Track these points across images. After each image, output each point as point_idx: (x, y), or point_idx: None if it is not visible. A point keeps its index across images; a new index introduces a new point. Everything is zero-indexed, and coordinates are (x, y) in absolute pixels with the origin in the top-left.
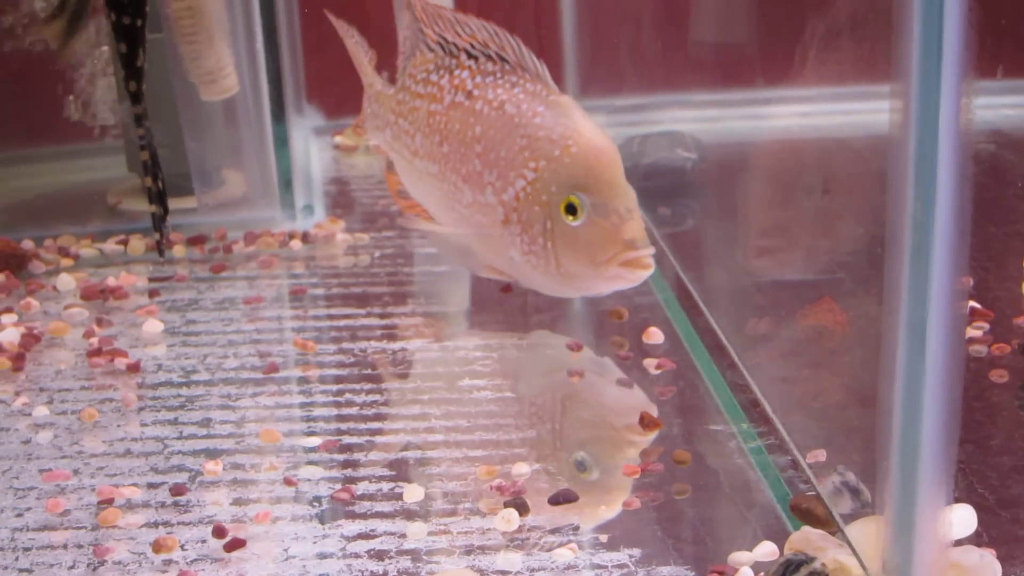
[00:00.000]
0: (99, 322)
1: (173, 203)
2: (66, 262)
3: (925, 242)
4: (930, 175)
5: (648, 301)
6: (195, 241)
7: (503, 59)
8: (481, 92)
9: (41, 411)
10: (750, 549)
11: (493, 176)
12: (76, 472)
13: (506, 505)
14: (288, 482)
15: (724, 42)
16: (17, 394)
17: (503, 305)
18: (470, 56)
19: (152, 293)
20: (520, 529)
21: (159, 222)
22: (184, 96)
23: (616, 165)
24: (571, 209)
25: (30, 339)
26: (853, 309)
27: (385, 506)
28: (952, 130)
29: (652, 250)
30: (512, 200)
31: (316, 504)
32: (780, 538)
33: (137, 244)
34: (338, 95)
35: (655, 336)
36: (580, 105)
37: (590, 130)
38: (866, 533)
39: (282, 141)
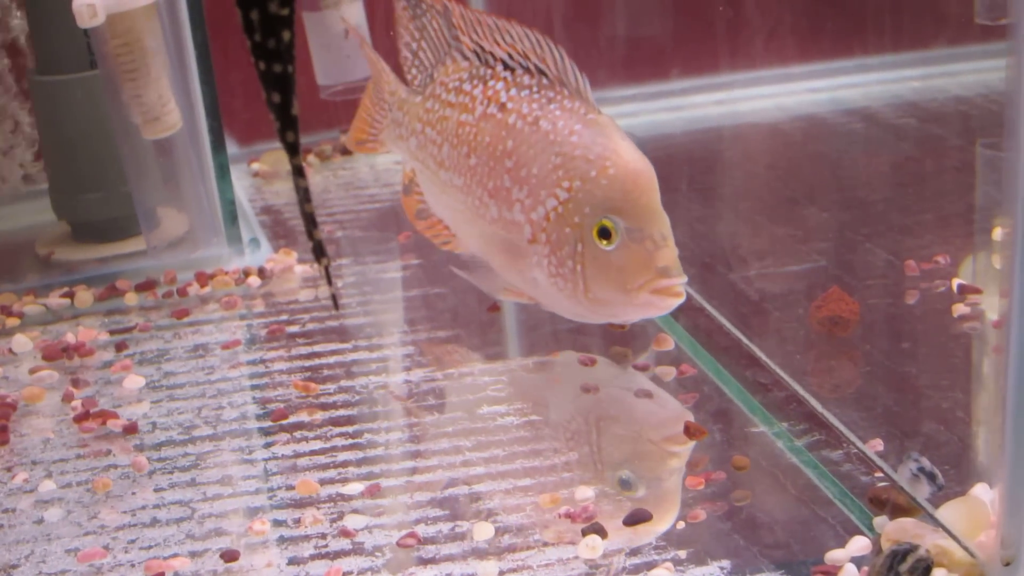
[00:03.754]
0: (75, 383)
1: (112, 248)
2: (11, 321)
3: None
4: None
5: None
6: (145, 286)
7: (542, 72)
8: (516, 105)
9: (46, 486)
10: (842, 546)
11: (523, 193)
12: (107, 548)
13: (585, 532)
14: (345, 533)
15: (636, 36)
16: (10, 470)
17: (492, 326)
18: (507, 67)
19: (119, 347)
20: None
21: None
22: (123, 135)
23: (653, 189)
24: (604, 233)
25: (6, 408)
26: (854, 293)
27: (453, 548)
28: None
29: (685, 278)
30: (542, 219)
31: (380, 554)
32: (862, 532)
33: (84, 296)
34: (249, 120)
35: (665, 343)
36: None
37: (629, 151)
38: (959, 515)
39: (224, 174)
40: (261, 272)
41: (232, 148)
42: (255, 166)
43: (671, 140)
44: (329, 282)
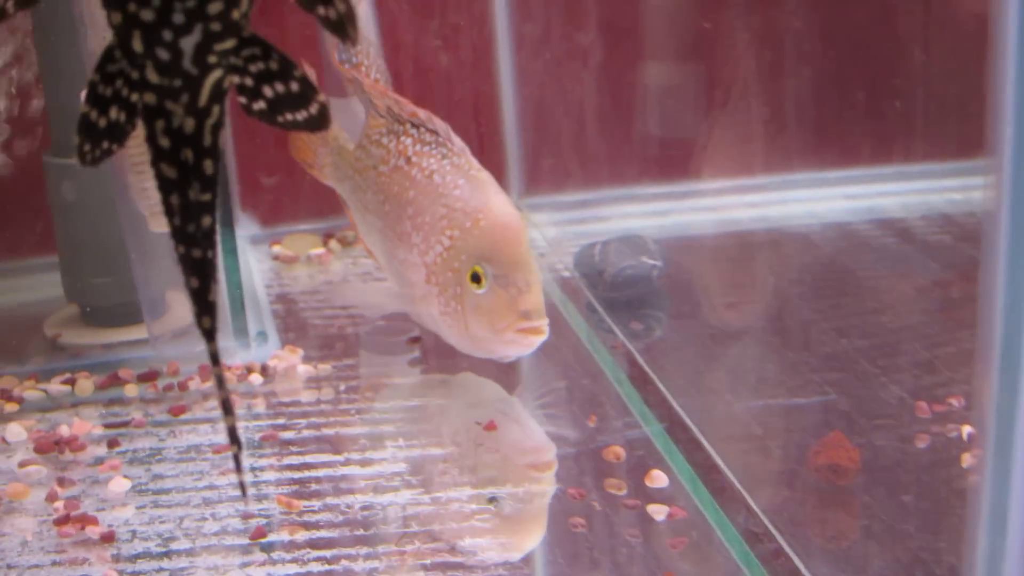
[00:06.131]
0: (60, 482)
1: (120, 334)
2: (10, 407)
3: None
4: None
5: (640, 436)
6: (147, 377)
7: (435, 132)
8: (418, 160)
9: None
10: None
11: (419, 238)
12: None
13: None
14: None
15: (672, 136)
16: None
17: (486, 444)
18: (414, 125)
19: (111, 443)
20: None
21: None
22: (128, 223)
23: (519, 241)
24: (476, 278)
25: None
26: (856, 436)
27: None
28: None
29: (545, 320)
30: (432, 263)
31: None
32: None
33: (85, 384)
34: (272, 202)
35: (658, 480)
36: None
37: (501, 206)
38: None
39: (232, 264)
40: (264, 370)
41: (254, 230)
42: (276, 249)
43: (699, 243)
44: (239, 468)
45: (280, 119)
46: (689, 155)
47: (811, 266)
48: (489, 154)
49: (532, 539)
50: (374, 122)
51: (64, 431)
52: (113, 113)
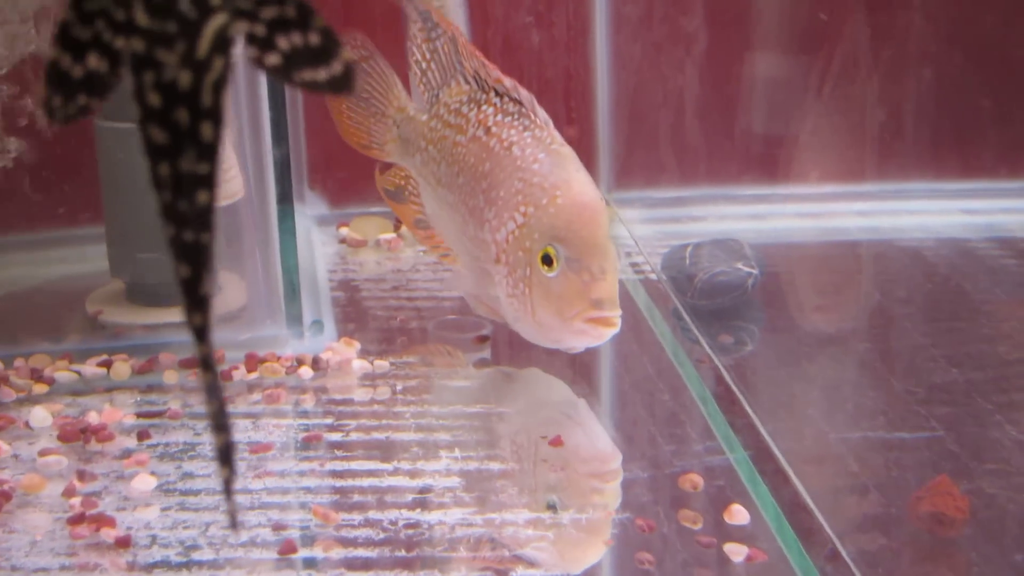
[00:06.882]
0: (80, 476)
1: (166, 315)
2: (39, 388)
3: None
4: None
5: (721, 463)
6: (189, 364)
7: (520, 103)
8: (498, 130)
9: None
10: None
11: (492, 214)
12: None
13: None
14: None
15: (777, 134)
16: None
17: (550, 462)
18: (498, 94)
19: (141, 435)
20: None
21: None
22: None
23: (597, 223)
24: (547, 259)
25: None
26: (965, 481)
27: None
28: None
29: (618, 312)
30: (503, 241)
31: None
32: None
33: (121, 368)
34: (343, 180)
35: (739, 515)
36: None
37: (581, 184)
38: None
39: (289, 246)
40: (315, 363)
41: (322, 209)
42: (344, 231)
43: (800, 252)
44: (228, 496)
45: (297, 77)
46: (795, 155)
47: (922, 285)
48: (579, 142)
49: (590, 556)
50: (456, 89)
51: (93, 418)
52: (92, 61)
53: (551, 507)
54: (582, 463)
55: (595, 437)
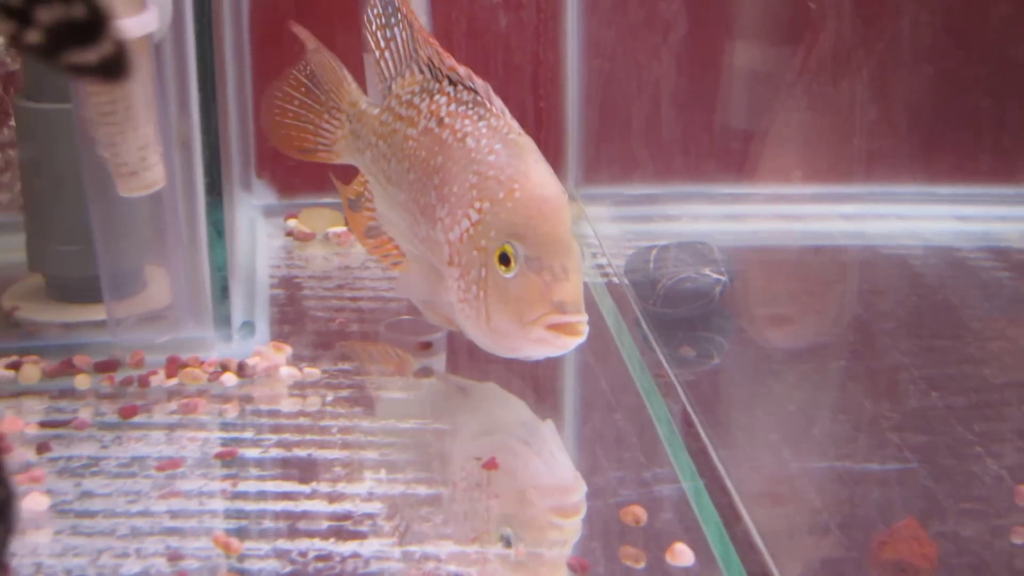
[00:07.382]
0: None
1: (86, 312)
2: None
3: None
4: None
5: (672, 493)
6: (105, 367)
7: (475, 91)
8: (451, 121)
9: None
10: None
11: (444, 212)
12: None
13: None
14: None
15: (758, 130)
16: None
17: (490, 484)
18: (451, 82)
19: (42, 447)
20: None
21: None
22: (93, 183)
23: (558, 219)
24: (504, 259)
25: None
26: (937, 521)
27: None
28: None
29: (584, 317)
30: (457, 240)
31: None
32: None
33: (31, 371)
34: (293, 168)
35: (682, 556)
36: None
37: (540, 176)
38: None
39: (218, 240)
40: (241, 369)
41: (270, 199)
42: (291, 223)
43: (777, 257)
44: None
45: (63, 59)
46: (777, 153)
47: (907, 297)
48: (547, 133)
49: None
50: (409, 79)
51: None
52: None
53: (505, 540)
54: (540, 495)
55: (555, 466)
